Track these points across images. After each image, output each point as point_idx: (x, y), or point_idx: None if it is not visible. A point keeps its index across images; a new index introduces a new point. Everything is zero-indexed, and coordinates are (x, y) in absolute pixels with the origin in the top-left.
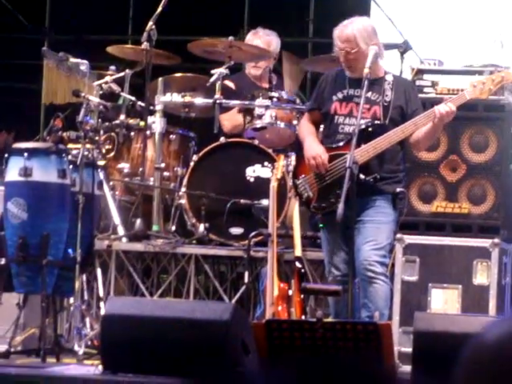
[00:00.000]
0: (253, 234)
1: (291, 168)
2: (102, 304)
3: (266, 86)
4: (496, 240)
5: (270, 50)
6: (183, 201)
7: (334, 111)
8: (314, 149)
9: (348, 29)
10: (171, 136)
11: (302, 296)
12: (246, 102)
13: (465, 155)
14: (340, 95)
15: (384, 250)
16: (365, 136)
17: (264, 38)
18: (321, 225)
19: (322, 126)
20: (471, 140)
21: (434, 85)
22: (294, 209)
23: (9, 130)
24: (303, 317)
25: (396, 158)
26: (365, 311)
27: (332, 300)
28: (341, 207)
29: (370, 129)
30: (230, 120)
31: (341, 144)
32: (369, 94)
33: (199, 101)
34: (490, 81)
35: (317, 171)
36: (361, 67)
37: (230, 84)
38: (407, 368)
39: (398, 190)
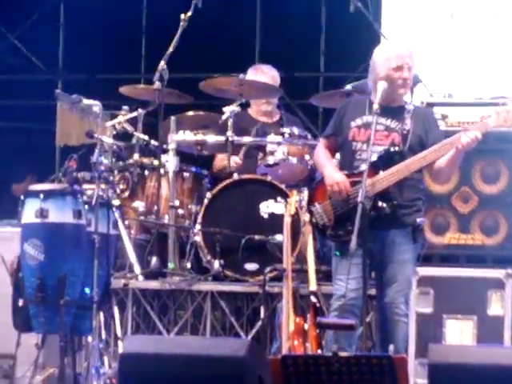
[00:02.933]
0: (268, 269)
1: (304, 203)
2: (119, 342)
3: (271, 121)
4: (510, 270)
5: (276, 85)
6: (198, 238)
7: (352, 137)
8: (336, 175)
9: (405, 44)
10: (185, 174)
11: (318, 330)
12: (258, 139)
13: (476, 187)
14: (359, 121)
15: (408, 289)
16: (383, 163)
17: (270, 74)
18: (337, 252)
19: (337, 154)
20: (483, 172)
21: (444, 118)
22: (308, 243)
23: (32, 174)
24: (319, 351)
25: (416, 186)
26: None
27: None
28: (353, 241)
29: (388, 155)
30: (218, 161)
31: (357, 171)
32: (388, 122)
33: (211, 138)
34: None
35: (339, 198)
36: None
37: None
38: None
39: (419, 220)
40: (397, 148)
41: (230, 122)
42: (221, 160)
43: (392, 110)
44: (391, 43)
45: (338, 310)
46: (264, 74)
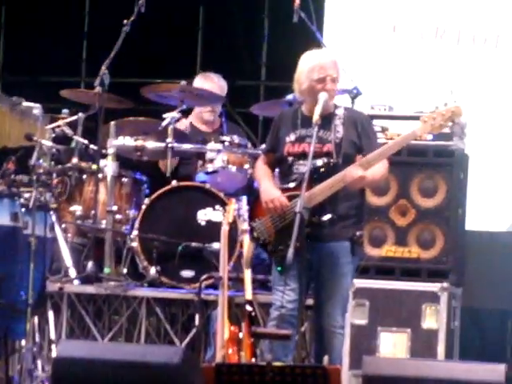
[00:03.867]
0: (204, 276)
1: (242, 212)
2: (53, 346)
3: (211, 129)
4: (445, 284)
5: (223, 94)
6: (135, 244)
7: (287, 152)
8: (271, 192)
9: (331, 55)
10: (123, 179)
11: (253, 339)
12: (198, 146)
13: (414, 200)
14: (292, 136)
15: (345, 302)
16: (318, 176)
17: (218, 84)
18: (278, 268)
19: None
20: (421, 185)
21: (384, 130)
22: (245, 252)
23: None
24: (253, 360)
25: (354, 198)
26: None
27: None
28: (290, 252)
29: (322, 169)
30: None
31: (294, 185)
32: (320, 133)
33: (151, 144)
34: (440, 116)
35: (274, 214)
36: (331, 103)
37: (183, 126)
38: None
39: (358, 233)
40: (331, 160)
41: (170, 129)
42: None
43: (323, 119)
44: (315, 53)
45: (277, 319)
46: (213, 82)
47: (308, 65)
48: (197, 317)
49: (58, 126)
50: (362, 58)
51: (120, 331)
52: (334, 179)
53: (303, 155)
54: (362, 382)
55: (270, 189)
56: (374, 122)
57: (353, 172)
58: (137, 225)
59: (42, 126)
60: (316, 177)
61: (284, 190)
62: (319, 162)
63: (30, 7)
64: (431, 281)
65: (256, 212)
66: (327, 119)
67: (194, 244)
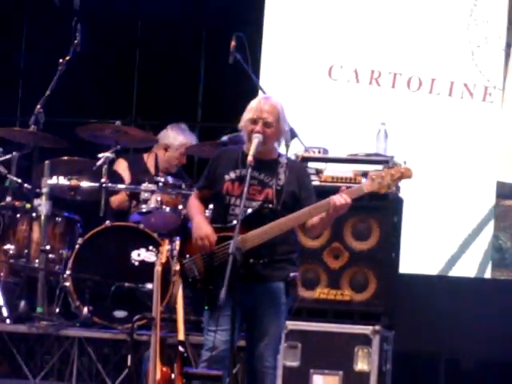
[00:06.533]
0: (136, 317)
1: (176, 253)
2: None
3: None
4: (377, 327)
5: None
6: (68, 283)
7: (225, 191)
8: (203, 229)
9: (273, 100)
10: (57, 218)
11: (185, 380)
12: (132, 187)
13: (348, 243)
14: (233, 175)
15: (277, 342)
16: (255, 219)
17: (193, 138)
18: (206, 307)
19: (211, 206)
20: (354, 228)
21: (318, 172)
22: (178, 293)
23: None
24: None
25: (289, 239)
26: None
27: None
28: (223, 293)
29: (260, 212)
30: (117, 197)
31: (230, 226)
32: (262, 176)
33: (85, 184)
34: (388, 175)
35: (205, 253)
36: (267, 148)
37: (124, 162)
38: None
39: (292, 275)
40: (270, 205)
41: (104, 169)
42: (116, 197)
43: (265, 163)
44: (259, 97)
45: (208, 360)
46: (191, 135)
47: (249, 105)
48: (129, 357)
49: None
50: (297, 100)
51: (52, 371)
52: (299, 214)
53: (241, 196)
54: None
55: (202, 225)
56: (309, 164)
57: (339, 198)
58: (70, 264)
59: None
60: (252, 219)
61: (218, 230)
62: (257, 205)
63: None
64: (363, 323)
65: (187, 249)
66: (270, 164)
67: (127, 284)
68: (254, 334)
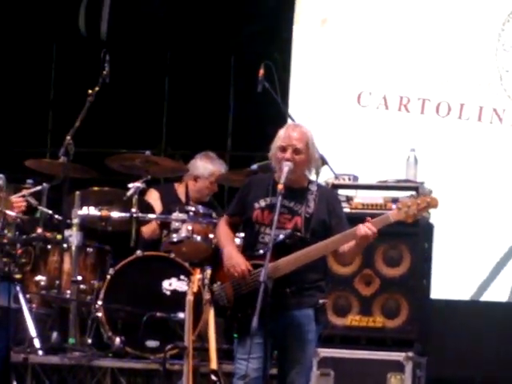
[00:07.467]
0: (169, 346)
1: (207, 282)
2: None
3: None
4: (410, 353)
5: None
6: (100, 314)
7: (255, 219)
8: (234, 258)
9: (301, 127)
10: (88, 249)
11: None
12: (163, 216)
13: (379, 270)
14: (263, 203)
15: (308, 369)
16: (284, 248)
17: (222, 166)
18: (235, 335)
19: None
20: (385, 255)
21: (348, 199)
22: (210, 321)
23: None
24: None
25: (318, 266)
26: None
27: None
28: (255, 321)
29: (288, 241)
30: (148, 227)
31: (259, 254)
32: (291, 204)
33: (116, 214)
34: (415, 205)
35: (236, 281)
36: (297, 175)
37: (156, 193)
38: None
39: (321, 301)
40: (299, 233)
41: (134, 199)
42: (147, 227)
43: (295, 191)
44: (288, 124)
45: None
46: (220, 163)
47: (279, 133)
48: None
49: (23, 196)
50: (327, 127)
51: None
52: (327, 243)
53: (271, 225)
54: None
55: (233, 254)
56: (339, 191)
57: (365, 228)
58: (101, 295)
59: (6, 196)
60: (281, 247)
61: (248, 258)
62: (285, 234)
63: None
64: (396, 350)
65: (217, 276)
66: (300, 192)
67: (158, 314)
68: (285, 361)
